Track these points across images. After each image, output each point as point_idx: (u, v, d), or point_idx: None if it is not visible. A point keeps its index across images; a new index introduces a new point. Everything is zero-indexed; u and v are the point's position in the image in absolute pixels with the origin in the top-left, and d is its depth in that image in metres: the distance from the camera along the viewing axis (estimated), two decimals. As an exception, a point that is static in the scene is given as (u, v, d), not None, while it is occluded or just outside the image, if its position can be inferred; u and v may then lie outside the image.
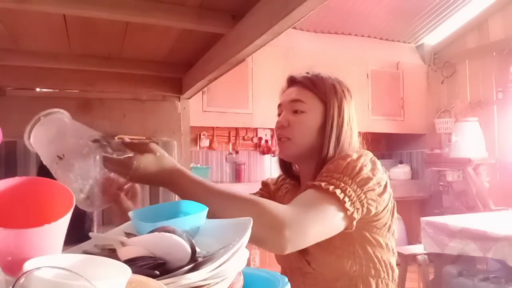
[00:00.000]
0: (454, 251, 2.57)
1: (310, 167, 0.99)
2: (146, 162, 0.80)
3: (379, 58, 4.80)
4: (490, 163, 4.24)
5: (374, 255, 0.91)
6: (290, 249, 0.76)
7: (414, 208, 4.76)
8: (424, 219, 2.88)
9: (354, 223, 0.83)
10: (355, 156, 0.88)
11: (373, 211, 0.86)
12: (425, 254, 2.91)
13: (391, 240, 0.94)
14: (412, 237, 4.45)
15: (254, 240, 0.73)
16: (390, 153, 5.38)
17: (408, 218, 4.60)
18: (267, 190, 1.19)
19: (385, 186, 0.89)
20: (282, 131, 1.00)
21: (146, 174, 0.80)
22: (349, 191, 0.82)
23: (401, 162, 5.16)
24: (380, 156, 5.32)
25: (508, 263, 2.26)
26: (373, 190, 0.85)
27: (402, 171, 4.94)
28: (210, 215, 0.68)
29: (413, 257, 2.95)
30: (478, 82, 4.61)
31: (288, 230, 0.74)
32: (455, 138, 4.26)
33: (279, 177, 1.19)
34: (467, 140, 4.17)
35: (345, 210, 0.81)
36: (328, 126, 0.97)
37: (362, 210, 0.83)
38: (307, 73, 1.04)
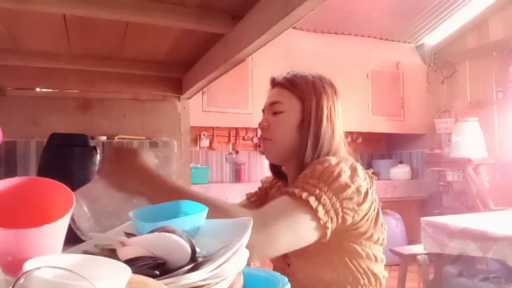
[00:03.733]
0: (454, 251, 2.57)
1: (292, 168, 0.98)
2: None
3: (379, 58, 4.80)
4: (490, 163, 4.24)
5: (351, 263, 0.88)
6: (257, 256, 0.73)
7: (414, 208, 4.76)
8: (424, 219, 2.88)
9: (328, 232, 0.79)
10: (333, 161, 0.85)
11: (350, 220, 0.82)
12: (425, 254, 2.90)
13: (373, 247, 0.90)
14: (412, 237, 4.45)
15: None
16: (390, 153, 5.38)
17: (408, 218, 4.60)
18: (260, 189, 1.19)
19: (366, 194, 0.84)
20: (263, 133, 1.00)
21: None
22: (324, 199, 0.79)
23: (401, 162, 5.16)
24: (380, 156, 5.32)
25: (508, 263, 2.25)
26: (351, 198, 0.81)
27: (402, 171, 4.94)
28: None
29: (413, 257, 2.95)
30: (478, 82, 4.61)
31: (254, 235, 0.67)
32: (455, 138, 4.26)
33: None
34: (467, 140, 4.17)
35: (318, 219, 0.78)
36: (306, 123, 0.94)
37: (337, 219, 0.80)
38: (288, 73, 1.03)
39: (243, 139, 4.58)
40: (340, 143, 0.97)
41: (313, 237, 0.80)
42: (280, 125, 0.97)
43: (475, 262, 3.00)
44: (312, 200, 0.78)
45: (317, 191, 0.79)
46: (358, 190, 0.82)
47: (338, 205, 0.80)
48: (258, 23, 1.21)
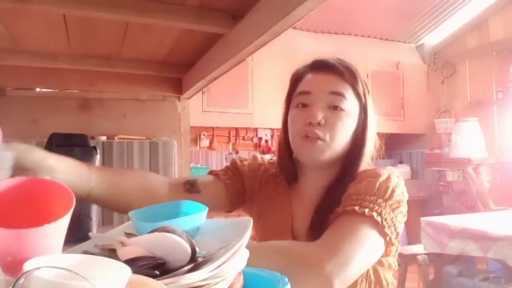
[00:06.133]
0: (454, 251, 2.57)
1: (325, 174, 0.86)
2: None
3: (379, 58, 4.80)
4: (490, 163, 4.24)
5: (384, 278, 0.83)
6: (338, 283, 0.65)
7: (414, 208, 4.74)
8: (424, 219, 2.88)
9: (392, 249, 0.76)
10: (385, 175, 0.79)
11: (400, 233, 0.80)
12: (425, 254, 2.91)
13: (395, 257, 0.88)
14: (412, 237, 4.45)
15: None
16: (390, 153, 5.38)
17: (408, 218, 4.56)
18: (239, 171, 0.95)
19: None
20: (314, 129, 0.79)
21: None
22: (385, 214, 0.74)
23: (401, 162, 5.16)
24: (380, 156, 5.32)
25: (508, 263, 2.26)
26: (402, 212, 0.79)
27: (402, 171, 4.94)
28: None
29: (413, 257, 2.95)
30: (478, 82, 4.61)
31: (328, 263, 0.64)
32: (455, 138, 4.26)
33: (261, 165, 0.98)
34: (467, 140, 4.17)
35: (385, 235, 0.73)
36: (367, 133, 0.84)
37: (395, 234, 0.76)
38: (339, 59, 0.89)
39: (243, 139, 4.58)
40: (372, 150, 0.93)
41: (380, 253, 0.75)
42: (342, 126, 0.80)
43: (475, 262, 3.00)
44: (375, 215, 0.73)
45: (377, 207, 0.74)
46: (405, 204, 0.81)
47: (395, 220, 0.76)
48: (258, 23, 1.21)
